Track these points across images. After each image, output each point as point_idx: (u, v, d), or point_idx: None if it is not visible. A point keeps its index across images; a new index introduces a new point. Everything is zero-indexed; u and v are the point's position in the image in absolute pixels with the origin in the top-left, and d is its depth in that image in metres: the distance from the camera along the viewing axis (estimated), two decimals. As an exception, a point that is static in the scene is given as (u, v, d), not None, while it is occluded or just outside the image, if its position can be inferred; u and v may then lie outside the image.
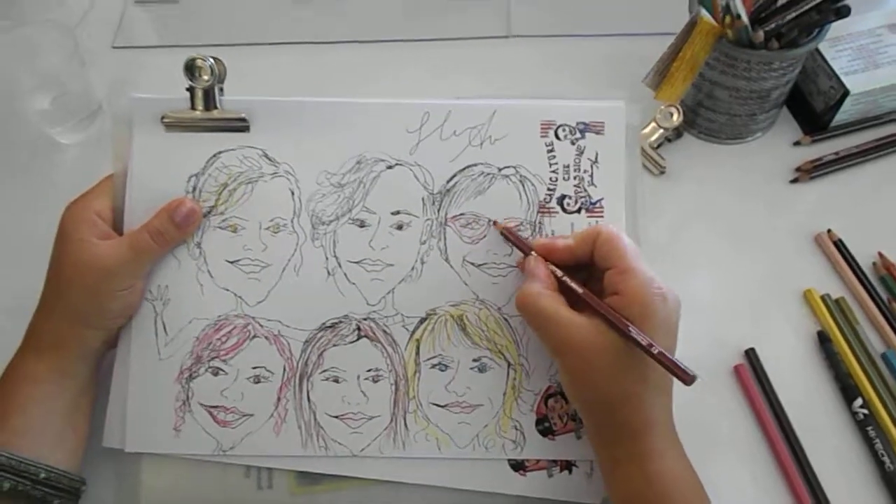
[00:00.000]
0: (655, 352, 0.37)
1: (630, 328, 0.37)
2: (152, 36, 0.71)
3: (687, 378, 0.36)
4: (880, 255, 0.55)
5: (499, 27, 0.70)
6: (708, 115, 0.59)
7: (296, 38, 0.70)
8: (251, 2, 0.73)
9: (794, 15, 0.51)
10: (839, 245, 0.55)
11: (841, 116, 0.59)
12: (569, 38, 0.69)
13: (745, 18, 0.51)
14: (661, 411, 0.39)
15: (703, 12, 0.52)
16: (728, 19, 0.51)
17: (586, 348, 0.38)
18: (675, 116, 0.59)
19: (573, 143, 0.47)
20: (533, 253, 0.43)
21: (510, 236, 0.45)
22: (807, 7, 0.50)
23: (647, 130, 0.60)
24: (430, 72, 0.66)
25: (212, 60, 0.46)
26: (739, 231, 0.57)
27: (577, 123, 0.48)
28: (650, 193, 0.59)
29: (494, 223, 0.46)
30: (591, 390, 0.39)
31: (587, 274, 0.43)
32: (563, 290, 0.41)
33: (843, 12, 0.50)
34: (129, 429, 0.45)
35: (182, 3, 0.74)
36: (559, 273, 0.41)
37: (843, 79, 0.57)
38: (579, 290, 0.40)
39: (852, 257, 0.55)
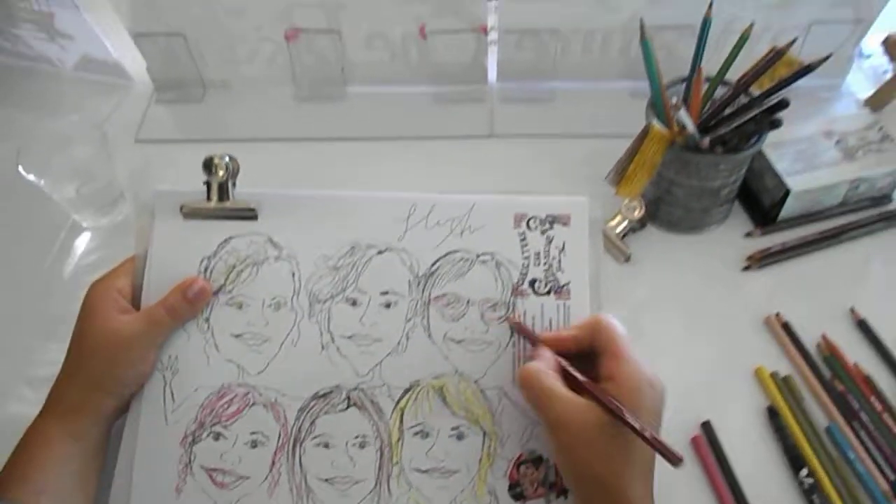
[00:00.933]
0: (647, 435, 0.40)
1: (625, 412, 0.41)
2: (172, 131, 0.79)
3: (675, 459, 0.39)
4: (824, 336, 0.60)
5: (483, 128, 0.78)
6: (667, 208, 0.66)
7: (301, 134, 0.78)
8: (261, 101, 0.81)
9: (734, 125, 0.59)
10: (787, 327, 0.61)
11: (786, 211, 0.66)
12: (545, 138, 0.77)
13: (691, 128, 0.58)
14: (643, 488, 0.42)
15: (655, 122, 0.59)
16: (677, 128, 0.59)
17: (581, 426, 0.42)
18: (638, 210, 0.66)
19: (543, 233, 0.54)
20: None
21: (522, 330, 0.50)
22: (745, 119, 0.58)
23: (613, 222, 0.66)
24: (421, 166, 0.74)
25: (227, 158, 0.53)
26: (697, 314, 0.63)
27: (547, 216, 0.54)
28: (616, 278, 0.65)
29: (508, 319, 0.51)
30: (583, 465, 0.42)
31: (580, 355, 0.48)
32: (564, 375, 0.45)
33: (777, 124, 0.58)
34: (134, 488, 0.50)
35: (199, 102, 0.82)
36: (564, 363, 0.46)
37: (785, 179, 0.64)
38: (581, 378, 0.44)
39: (799, 338, 0.60)
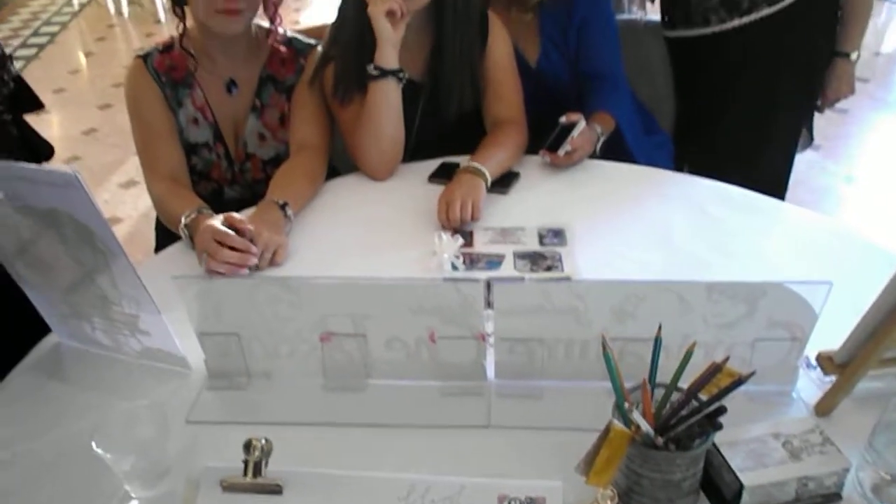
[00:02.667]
0: None
1: None
2: (219, 414, 0.93)
3: None
4: None
5: (482, 418, 0.91)
6: (638, 498, 0.75)
7: (327, 419, 0.91)
8: (295, 390, 0.96)
9: (684, 426, 0.70)
10: None
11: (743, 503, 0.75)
12: (534, 430, 0.88)
13: (645, 428, 0.70)
14: None
15: (615, 421, 0.71)
16: (635, 428, 0.71)
17: None
18: (612, 500, 0.75)
19: (521, 514, 0.64)
20: None
21: None
22: (692, 422, 0.70)
23: (590, 510, 0.75)
24: (427, 450, 0.85)
25: (263, 440, 0.66)
26: None
27: (526, 497, 0.65)
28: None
29: None
30: None
31: None
32: None
33: (718, 426, 0.70)
34: None
35: (244, 390, 0.97)
36: None
37: (738, 474, 0.74)
38: None
39: None
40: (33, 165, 0.89)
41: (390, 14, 1.37)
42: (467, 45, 1.48)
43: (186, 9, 1.42)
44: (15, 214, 0.93)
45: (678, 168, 1.77)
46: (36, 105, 1.28)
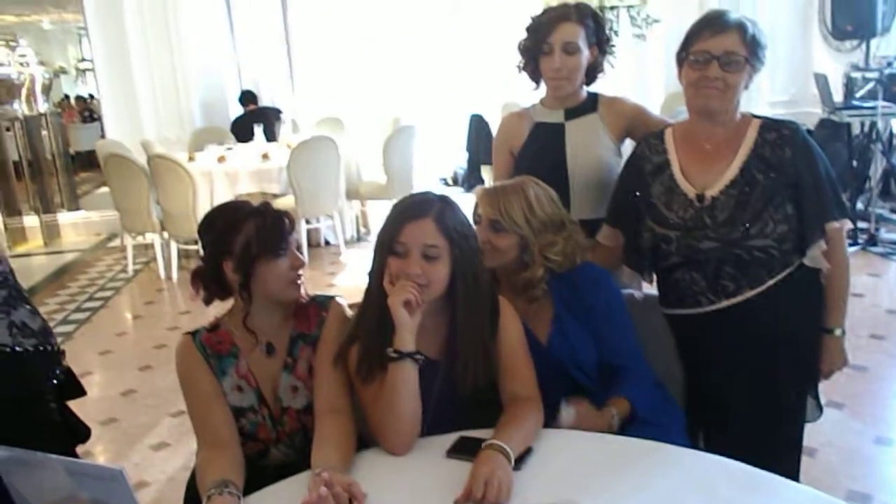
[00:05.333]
0: None
1: None
2: None
3: None
4: None
5: None
6: None
7: None
8: None
9: None
10: None
11: None
12: None
13: None
14: None
15: None
16: None
17: None
18: None
19: None
20: None
21: None
22: None
23: None
24: None
25: None
26: None
27: None
28: None
29: None
30: None
31: None
32: None
33: None
34: None
35: None
36: None
37: None
38: None
39: None
40: (85, 461, 1.00)
41: (407, 304, 1.54)
42: (479, 327, 1.63)
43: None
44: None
45: (692, 436, 1.82)
46: (79, 393, 1.43)
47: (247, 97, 7.03)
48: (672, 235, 1.83)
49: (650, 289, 2.09)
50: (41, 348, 1.27)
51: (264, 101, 7.15)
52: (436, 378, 1.63)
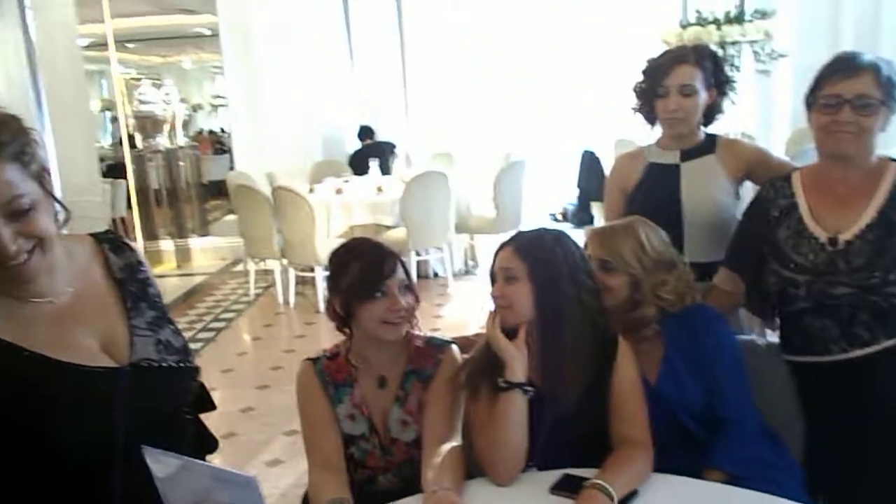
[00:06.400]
0: None
1: None
2: None
3: None
4: None
5: None
6: None
7: None
8: None
9: None
10: None
11: None
12: None
13: None
14: None
15: None
16: None
17: None
18: None
19: None
20: None
21: None
22: None
23: None
24: None
25: None
26: None
27: None
28: None
29: None
30: None
31: None
32: None
33: None
34: None
35: None
36: None
37: None
38: None
39: None
40: (222, 467, 1.09)
41: (504, 333, 1.60)
42: (592, 361, 1.63)
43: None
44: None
45: (813, 496, 1.72)
46: (211, 407, 1.55)
47: (364, 132, 7.35)
48: (800, 280, 1.77)
49: (772, 336, 2.03)
50: (181, 365, 1.39)
51: (380, 135, 7.44)
52: (545, 410, 1.65)
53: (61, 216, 1.25)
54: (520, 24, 7.42)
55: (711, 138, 2.22)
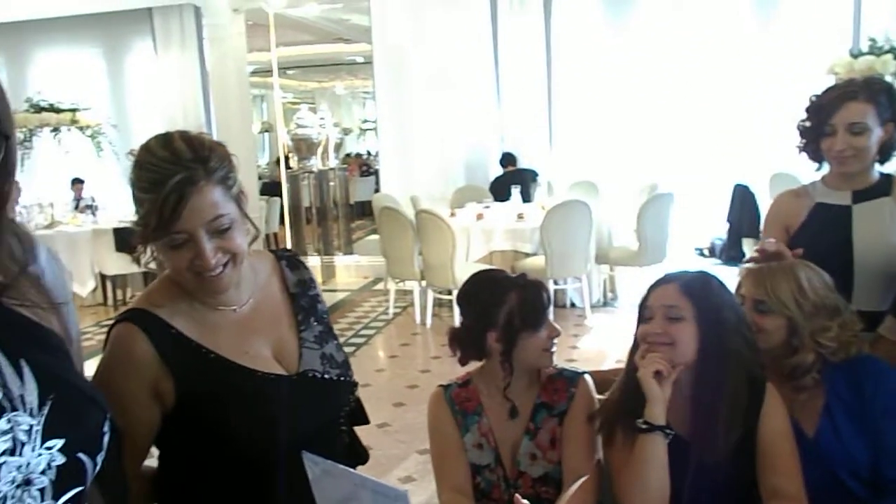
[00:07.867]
0: None
1: None
2: None
3: None
4: None
5: None
6: None
7: None
8: None
9: None
10: None
11: None
12: None
13: None
14: None
15: None
16: None
17: None
18: None
19: None
20: None
21: None
22: None
23: None
24: None
25: None
26: None
27: None
28: None
29: None
30: None
31: None
32: None
33: None
34: None
35: None
36: None
37: None
38: None
39: None
40: (375, 478, 1.16)
41: (657, 374, 1.55)
42: (738, 406, 1.56)
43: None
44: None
45: None
46: (364, 421, 1.63)
47: (507, 159, 7.43)
48: None
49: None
50: (342, 378, 1.48)
51: (522, 162, 7.49)
52: (689, 456, 1.60)
53: (251, 234, 1.37)
54: (671, 51, 7.23)
55: (887, 178, 2.06)
